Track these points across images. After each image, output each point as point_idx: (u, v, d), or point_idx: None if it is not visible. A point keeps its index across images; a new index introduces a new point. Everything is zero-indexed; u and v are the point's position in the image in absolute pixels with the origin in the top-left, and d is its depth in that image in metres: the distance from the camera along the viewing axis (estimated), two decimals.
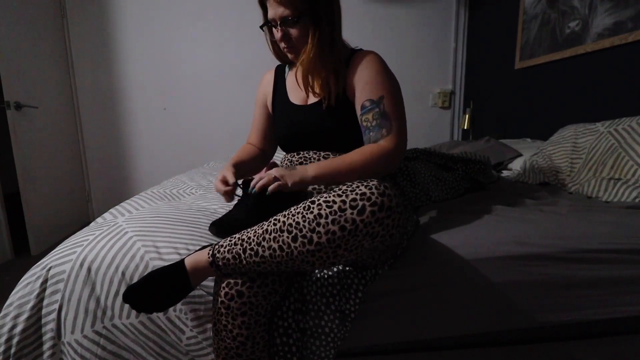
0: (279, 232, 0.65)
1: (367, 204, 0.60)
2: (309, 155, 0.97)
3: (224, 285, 0.68)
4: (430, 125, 2.95)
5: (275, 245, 0.65)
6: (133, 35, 2.70)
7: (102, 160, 2.86)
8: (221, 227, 0.81)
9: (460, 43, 2.84)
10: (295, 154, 0.99)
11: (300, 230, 0.63)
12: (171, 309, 0.74)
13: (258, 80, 1.14)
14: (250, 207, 0.81)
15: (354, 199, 0.61)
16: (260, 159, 1.10)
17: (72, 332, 0.74)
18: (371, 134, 0.87)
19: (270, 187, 0.76)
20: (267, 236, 0.66)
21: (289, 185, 0.78)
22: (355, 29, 2.75)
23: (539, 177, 1.40)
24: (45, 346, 0.75)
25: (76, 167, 2.79)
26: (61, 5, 2.62)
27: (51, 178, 2.44)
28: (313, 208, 0.63)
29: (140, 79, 2.76)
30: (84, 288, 0.75)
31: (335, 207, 0.61)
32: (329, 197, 0.63)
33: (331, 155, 0.95)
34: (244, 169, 1.00)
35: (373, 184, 0.63)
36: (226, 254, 0.68)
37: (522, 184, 1.43)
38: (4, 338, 0.73)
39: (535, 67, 2.05)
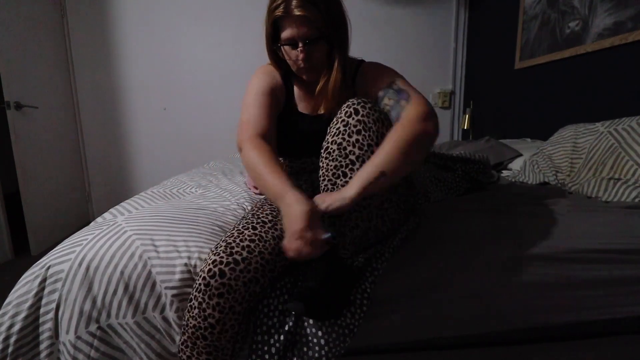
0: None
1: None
2: (311, 160, 0.99)
3: (209, 262, 0.68)
4: None
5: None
6: (133, 35, 2.70)
7: (102, 160, 2.86)
8: (311, 301, 0.66)
9: (460, 43, 2.84)
10: (295, 159, 1.01)
11: None
12: (167, 308, 0.74)
13: None
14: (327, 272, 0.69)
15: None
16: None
17: (67, 333, 0.74)
18: (392, 112, 0.83)
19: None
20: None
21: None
22: (356, 29, 2.75)
23: (539, 177, 1.40)
24: (43, 345, 0.74)
25: (76, 167, 2.79)
26: (61, 5, 2.62)
27: (51, 178, 2.44)
28: None
29: (140, 79, 2.76)
30: (81, 288, 0.74)
31: None
32: None
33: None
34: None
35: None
36: None
37: (522, 184, 1.42)
38: (1, 337, 0.73)
39: (535, 67, 2.05)
